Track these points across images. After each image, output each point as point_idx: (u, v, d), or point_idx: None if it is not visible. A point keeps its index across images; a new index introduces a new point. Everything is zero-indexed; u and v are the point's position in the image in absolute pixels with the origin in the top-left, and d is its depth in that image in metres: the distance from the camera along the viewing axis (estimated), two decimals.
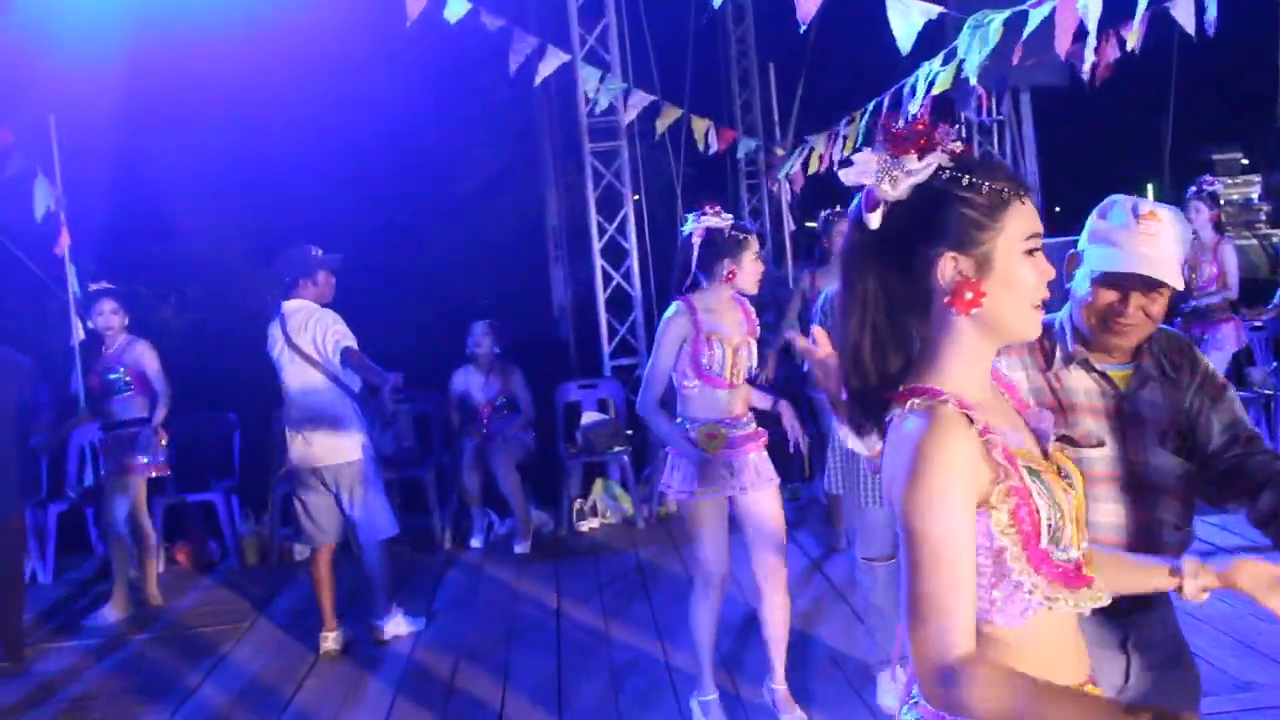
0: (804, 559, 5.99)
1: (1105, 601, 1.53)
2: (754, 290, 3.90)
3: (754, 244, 3.86)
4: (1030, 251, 1.47)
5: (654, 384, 3.87)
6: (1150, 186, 10.26)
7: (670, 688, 4.48)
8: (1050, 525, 1.45)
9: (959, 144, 1.47)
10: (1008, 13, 3.63)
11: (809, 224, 8.96)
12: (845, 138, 6.44)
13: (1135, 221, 2.08)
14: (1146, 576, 1.73)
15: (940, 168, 1.45)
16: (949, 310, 1.47)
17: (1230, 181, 10.15)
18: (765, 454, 3.96)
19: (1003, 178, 1.47)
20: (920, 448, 1.39)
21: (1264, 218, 9.71)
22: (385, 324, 5.62)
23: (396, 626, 5.26)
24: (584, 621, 5.40)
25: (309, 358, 4.97)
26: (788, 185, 8.28)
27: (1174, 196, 10.00)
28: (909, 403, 1.45)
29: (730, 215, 3.93)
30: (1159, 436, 2.15)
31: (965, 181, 1.45)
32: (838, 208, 6.22)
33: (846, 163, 1.49)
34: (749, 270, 3.84)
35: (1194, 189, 6.49)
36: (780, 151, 8.46)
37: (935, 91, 4.42)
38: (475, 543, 6.86)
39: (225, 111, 9.54)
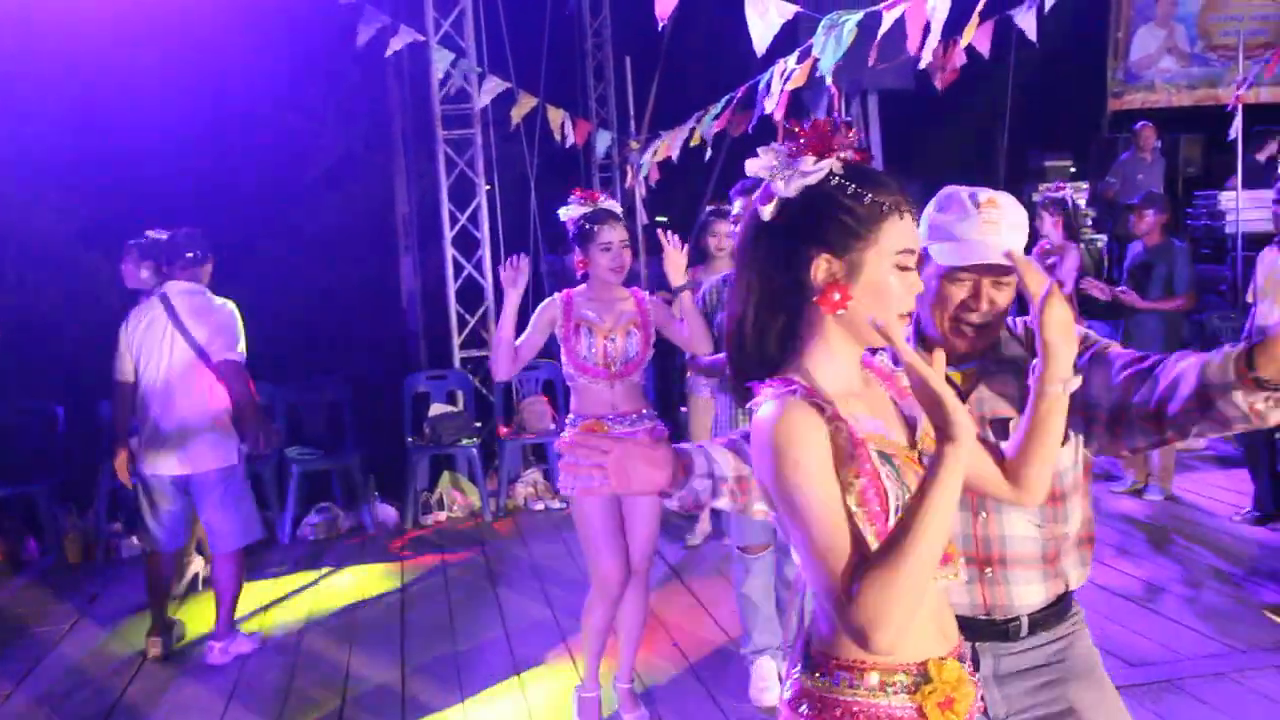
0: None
1: (962, 579, 1.63)
2: (611, 280, 3.83)
3: (604, 234, 3.77)
4: (902, 266, 1.55)
5: (503, 343, 3.79)
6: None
7: (518, 685, 4.42)
8: (899, 506, 1.51)
9: (857, 151, 1.54)
10: (861, 14, 3.68)
11: (660, 219, 8.98)
12: (693, 131, 6.47)
13: (976, 210, 2.05)
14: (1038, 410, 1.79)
15: (831, 173, 1.53)
16: (817, 308, 1.55)
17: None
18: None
19: (886, 192, 1.53)
20: (773, 431, 1.47)
21: (1090, 223, 10.16)
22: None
23: (233, 649, 4.87)
24: (429, 617, 5.28)
25: (201, 350, 4.70)
26: (642, 180, 8.28)
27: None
28: (763, 392, 1.54)
29: (603, 202, 3.84)
30: (1006, 433, 2.07)
31: (850, 190, 1.53)
32: (721, 205, 6.23)
33: (754, 153, 1.55)
34: (599, 260, 3.78)
35: (1041, 196, 6.73)
36: (635, 146, 8.45)
37: (789, 88, 4.47)
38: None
39: (53, 86, 9.04)
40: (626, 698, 4.01)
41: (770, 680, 4.11)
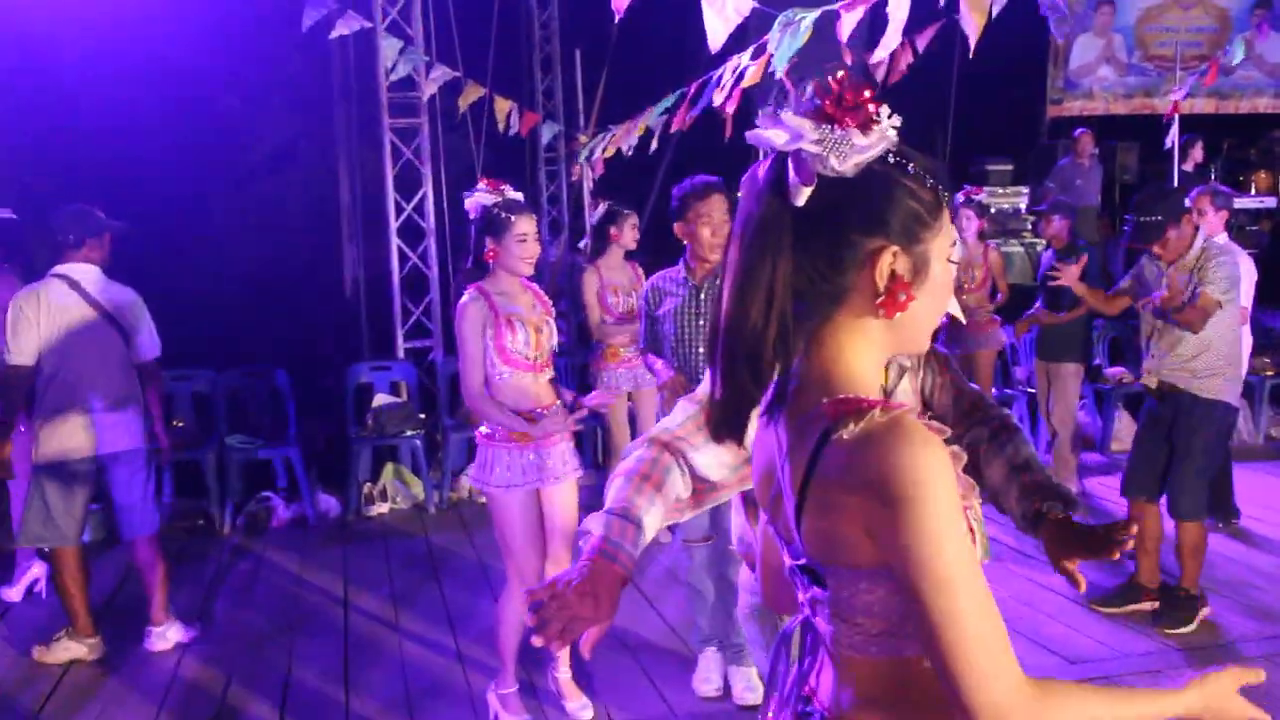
0: None
1: None
2: (523, 272, 3.77)
3: (520, 225, 3.70)
4: (949, 261, 1.34)
5: (471, 374, 3.72)
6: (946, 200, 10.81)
7: (462, 677, 4.40)
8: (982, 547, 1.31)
9: (898, 126, 1.27)
10: (817, 12, 3.71)
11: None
12: (639, 125, 6.47)
13: None
14: None
15: (889, 150, 1.27)
16: (873, 309, 1.29)
17: (1002, 191, 10.77)
18: (571, 445, 3.91)
19: (941, 175, 1.32)
20: (912, 470, 1.15)
21: (1029, 226, 10.35)
22: (165, 296, 5.27)
23: (173, 634, 4.80)
24: (372, 610, 5.24)
25: (122, 329, 4.61)
26: (589, 172, 8.28)
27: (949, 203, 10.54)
28: (868, 416, 1.19)
29: (509, 192, 3.79)
30: None
31: (913, 170, 1.28)
32: (613, 205, 6.22)
33: (771, 120, 1.28)
34: (513, 251, 3.70)
35: (962, 198, 6.85)
36: (584, 139, 8.44)
37: (745, 84, 4.49)
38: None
39: None
40: (566, 686, 4.02)
41: (712, 673, 4.14)
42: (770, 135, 1.27)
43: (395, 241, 7.67)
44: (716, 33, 3.84)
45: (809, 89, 1.26)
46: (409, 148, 7.70)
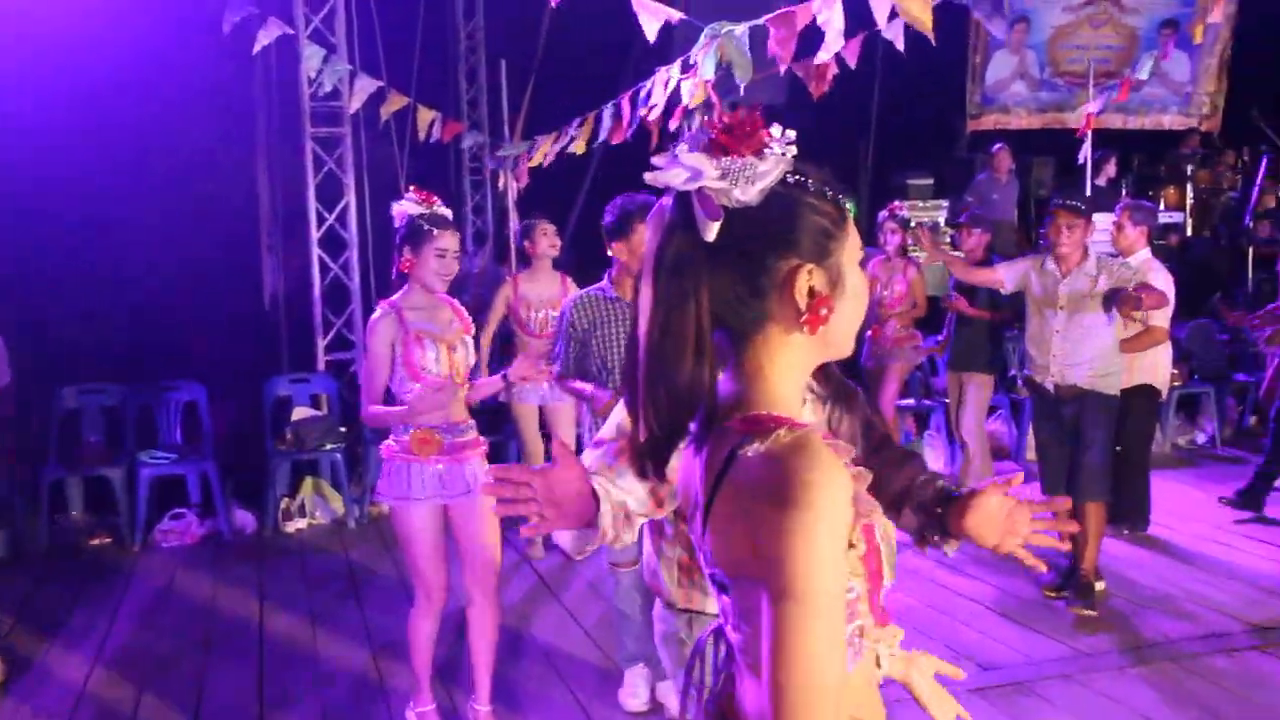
0: (514, 554, 5.95)
1: (901, 637, 1.49)
2: (436, 288, 3.70)
3: (442, 240, 3.64)
4: (859, 264, 1.37)
5: (370, 389, 3.67)
6: (850, 206, 10.85)
7: (382, 698, 4.32)
8: (890, 563, 1.34)
9: (792, 145, 1.30)
10: (744, 26, 3.73)
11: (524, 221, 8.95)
12: (574, 138, 6.46)
13: None
14: None
15: (788, 172, 1.29)
16: (795, 327, 1.30)
17: (922, 205, 10.93)
18: (484, 462, 3.82)
19: (837, 185, 1.34)
20: (801, 487, 1.16)
21: (948, 240, 10.51)
22: (78, 308, 5.11)
23: None
24: (289, 628, 5.12)
25: None
26: (514, 184, 8.23)
27: (871, 218, 10.69)
28: (774, 434, 1.21)
29: (439, 207, 3.73)
30: None
31: (813, 186, 1.31)
32: (529, 218, 6.20)
33: (669, 160, 1.29)
34: (429, 264, 3.64)
35: (885, 213, 6.94)
36: (510, 151, 8.39)
37: (690, 104, 4.49)
38: None
39: None
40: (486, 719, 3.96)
41: (639, 687, 4.11)
42: (669, 177, 1.28)
43: (316, 252, 7.56)
44: (651, 27, 3.84)
45: (697, 122, 1.28)
46: (331, 157, 7.60)
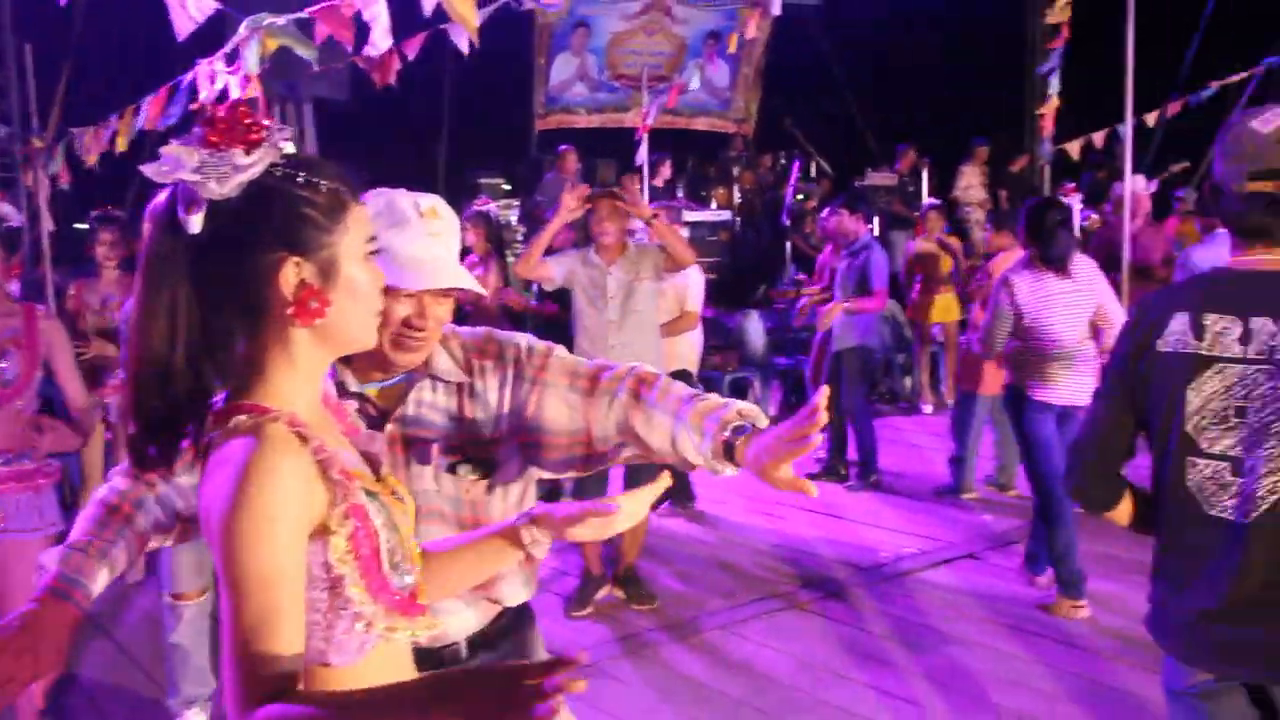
0: None
1: (439, 630, 1.48)
2: None
3: None
4: (369, 256, 1.39)
5: None
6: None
7: None
8: (390, 549, 1.35)
9: (289, 141, 1.32)
10: (284, 19, 3.60)
11: (79, 225, 8.15)
12: (116, 132, 5.96)
13: (420, 220, 1.89)
14: (491, 554, 1.65)
15: (273, 164, 1.30)
16: (288, 321, 1.32)
17: (495, 204, 11.12)
18: (37, 496, 3.42)
19: (337, 176, 1.35)
20: (247, 470, 1.22)
21: (521, 239, 10.77)
22: None
23: None
24: None
25: None
26: (47, 181, 7.45)
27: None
28: (233, 421, 1.28)
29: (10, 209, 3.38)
30: (447, 458, 1.94)
31: (301, 179, 1.31)
32: (110, 208, 5.72)
33: (155, 157, 1.29)
34: None
35: (467, 210, 7.01)
36: (39, 143, 7.57)
37: (241, 98, 4.25)
38: None
39: None
40: None
41: None
42: (152, 170, 1.28)
43: None
44: (183, 25, 3.61)
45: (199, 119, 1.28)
46: None
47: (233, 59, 4.11)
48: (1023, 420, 4.86)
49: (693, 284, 5.88)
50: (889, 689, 4.12)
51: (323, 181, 1.33)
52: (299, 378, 1.36)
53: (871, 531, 5.97)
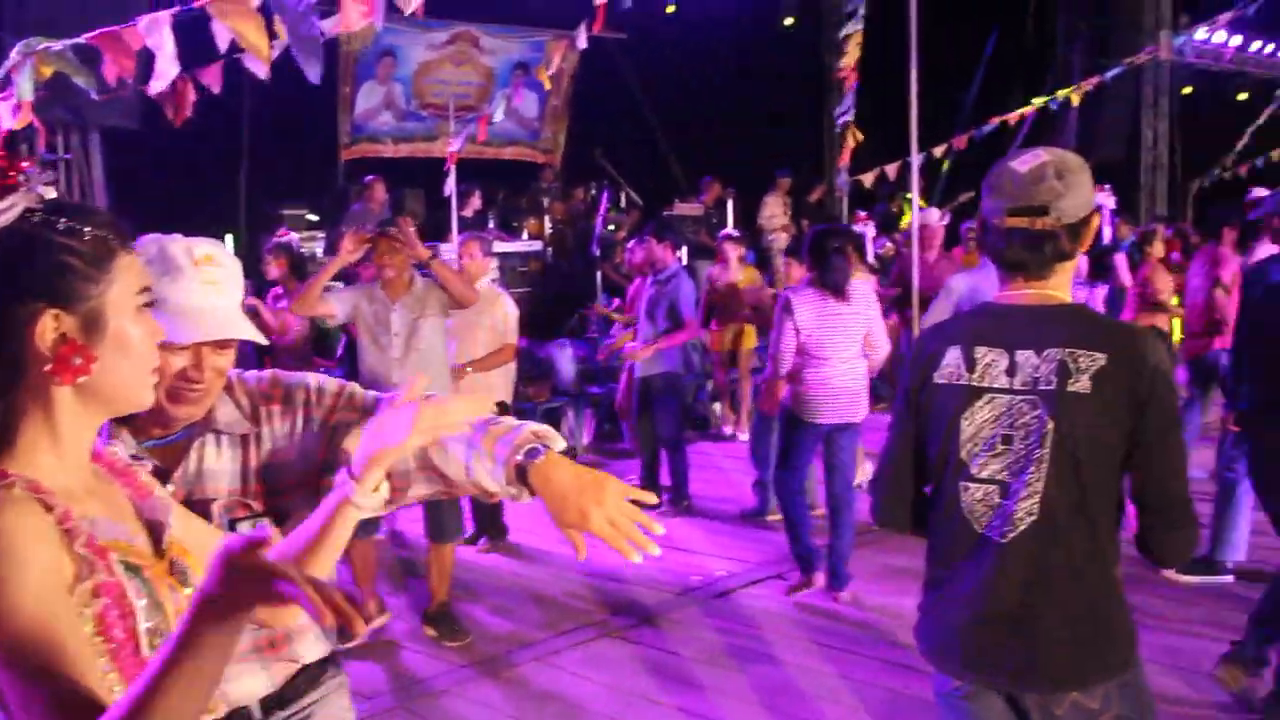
0: None
1: (221, 714, 1.39)
2: None
3: None
4: (142, 308, 1.29)
5: None
6: (230, 236, 10.59)
7: None
8: (151, 628, 1.24)
9: (50, 186, 1.25)
10: (60, 44, 3.44)
11: None
12: None
13: (194, 269, 1.79)
14: (331, 524, 1.58)
15: (29, 209, 1.22)
16: (46, 379, 1.22)
17: (302, 236, 10.84)
18: None
19: (106, 224, 1.26)
20: None
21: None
22: None
23: None
24: None
25: None
26: None
27: (250, 246, 10.35)
28: None
29: None
30: (228, 515, 1.87)
31: (62, 225, 1.22)
32: None
33: None
34: None
35: (271, 242, 6.83)
36: None
37: (15, 126, 4.00)
38: None
39: None
40: None
41: None
42: None
43: None
44: None
45: None
46: None
47: (4, 85, 3.88)
48: (791, 437, 5.28)
49: (510, 316, 5.89)
50: (700, 711, 4.18)
51: (87, 228, 1.24)
52: (53, 444, 1.26)
53: (683, 556, 6.06)
